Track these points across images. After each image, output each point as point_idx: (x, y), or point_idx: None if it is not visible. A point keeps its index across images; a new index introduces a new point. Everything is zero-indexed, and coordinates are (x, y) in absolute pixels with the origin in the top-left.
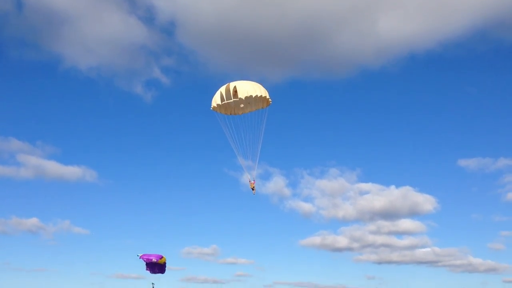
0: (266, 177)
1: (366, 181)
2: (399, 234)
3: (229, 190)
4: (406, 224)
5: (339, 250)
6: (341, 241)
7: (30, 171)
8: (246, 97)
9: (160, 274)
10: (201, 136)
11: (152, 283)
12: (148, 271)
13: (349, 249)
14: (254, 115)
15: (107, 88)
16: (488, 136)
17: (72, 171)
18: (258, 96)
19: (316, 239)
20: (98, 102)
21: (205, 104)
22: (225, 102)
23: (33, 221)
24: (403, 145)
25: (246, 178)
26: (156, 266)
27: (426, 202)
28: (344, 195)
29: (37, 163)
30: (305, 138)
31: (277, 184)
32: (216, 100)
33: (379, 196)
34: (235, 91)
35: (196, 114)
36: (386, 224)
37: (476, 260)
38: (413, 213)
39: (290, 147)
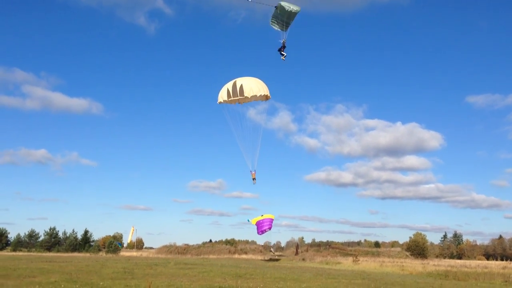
0: (271, 112)
1: (372, 117)
2: (404, 170)
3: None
4: (411, 160)
5: (343, 185)
6: (346, 176)
7: (36, 103)
8: (252, 96)
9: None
10: (206, 69)
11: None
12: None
13: (354, 184)
14: (255, 106)
15: (108, 19)
16: (499, 72)
17: (78, 103)
18: (262, 95)
19: (321, 175)
20: (100, 33)
21: (210, 37)
22: (231, 98)
23: (42, 152)
24: (411, 81)
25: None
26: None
27: (432, 139)
28: (350, 131)
29: (43, 94)
30: (312, 73)
31: (282, 119)
32: (222, 96)
33: (384, 133)
34: (242, 89)
35: (200, 47)
36: (391, 161)
37: (479, 197)
38: (419, 150)
39: (296, 82)
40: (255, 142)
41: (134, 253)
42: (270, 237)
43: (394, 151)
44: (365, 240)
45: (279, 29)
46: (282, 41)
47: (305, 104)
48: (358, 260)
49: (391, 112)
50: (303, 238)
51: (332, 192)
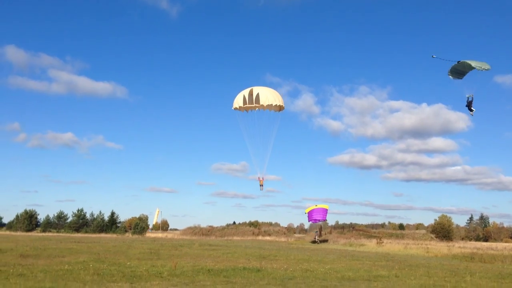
0: (294, 94)
1: (396, 99)
2: (430, 152)
3: None
4: (437, 142)
5: (367, 167)
6: (370, 159)
7: (62, 87)
8: (267, 105)
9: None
10: (229, 52)
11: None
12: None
13: (377, 167)
14: (268, 114)
15: (131, 3)
16: None
17: (102, 87)
18: (277, 105)
19: (344, 157)
20: (123, 17)
21: (233, 19)
22: (247, 105)
23: (68, 136)
24: (436, 62)
25: (257, 174)
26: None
27: (459, 120)
28: (374, 113)
29: (68, 78)
30: (335, 55)
31: (305, 101)
32: (238, 103)
33: (409, 114)
34: (258, 98)
35: (223, 30)
36: (416, 143)
37: (507, 179)
38: (445, 132)
39: (319, 64)
40: (266, 149)
41: (159, 235)
42: (293, 220)
43: (420, 133)
44: (389, 223)
45: (455, 78)
46: (468, 96)
47: (328, 86)
48: (382, 242)
49: (416, 94)
50: (326, 220)
51: (356, 174)
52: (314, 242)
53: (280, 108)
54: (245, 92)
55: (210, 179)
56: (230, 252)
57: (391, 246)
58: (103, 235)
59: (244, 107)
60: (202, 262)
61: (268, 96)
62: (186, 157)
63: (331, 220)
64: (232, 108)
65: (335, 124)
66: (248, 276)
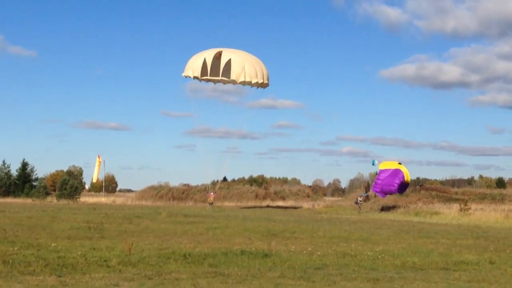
0: None
1: None
2: None
3: None
4: None
5: (445, 86)
6: (450, 71)
7: None
8: (241, 82)
9: None
10: None
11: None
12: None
13: (463, 84)
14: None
15: None
16: None
17: None
18: (258, 82)
19: (407, 69)
20: None
21: None
22: (208, 77)
23: None
24: None
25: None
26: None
27: None
28: None
29: None
30: None
31: None
32: (194, 70)
33: None
34: (228, 68)
35: None
36: None
37: None
38: None
39: None
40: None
41: (102, 199)
42: (322, 173)
43: None
44: (480, 177)
45: None
46: None
47: None
48: (469, 209)
49: None
50: (377, 173)
51: (427, 97)
52: (356, 204)
53: (262, 85)
54: (208, 55)
55: (184, 108)
56: (219, 227)
57: (483, 214)
58: (10, 199)
59: (203, 79)
60: (174, 243)
61: (247, 69)
62: (143, 71)
63: None
64: (183, 75)
65: (392, 13)
66: (249, 265)
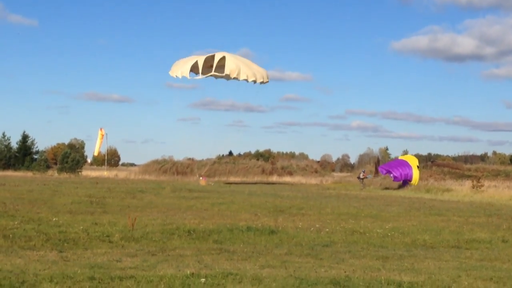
0: None
1: None
2: None
3: None
4: None
5: (459, 58)
6: (464, 43)
7: None
8: (236, 77)
9: None
10: None
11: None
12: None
13: (478, 57)
14: None
15: None
16: None
17: None
18: (258, 82)
19: (420, 40)
20: None
21: None
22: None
23: None
24: None
25: None
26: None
27: None
28: None
29: None
30: None
31: None
32: (183, 71)
33: None
34: (222, 64)
35: None
36: None
37: None
38: None
39: None
40: None
41: (104, 173)
42: (331, 148)
43: None
44: (494, 153)
45: None
46: None
47: None
48: (482, 186)
49: None
50: (387, 149)
51: (440, 70)
52: (359, 179)
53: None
54: (200, 58)
55: (189, 80)
56: (224, 203)
57: (497, 192)
58: (10, 173)
59: (195, 78)
60: (178, 219)
61: (241, 67)
62: (146, 42)
63: (395, 150)
64: (173, 75)
65: None
66: (255, 242)
